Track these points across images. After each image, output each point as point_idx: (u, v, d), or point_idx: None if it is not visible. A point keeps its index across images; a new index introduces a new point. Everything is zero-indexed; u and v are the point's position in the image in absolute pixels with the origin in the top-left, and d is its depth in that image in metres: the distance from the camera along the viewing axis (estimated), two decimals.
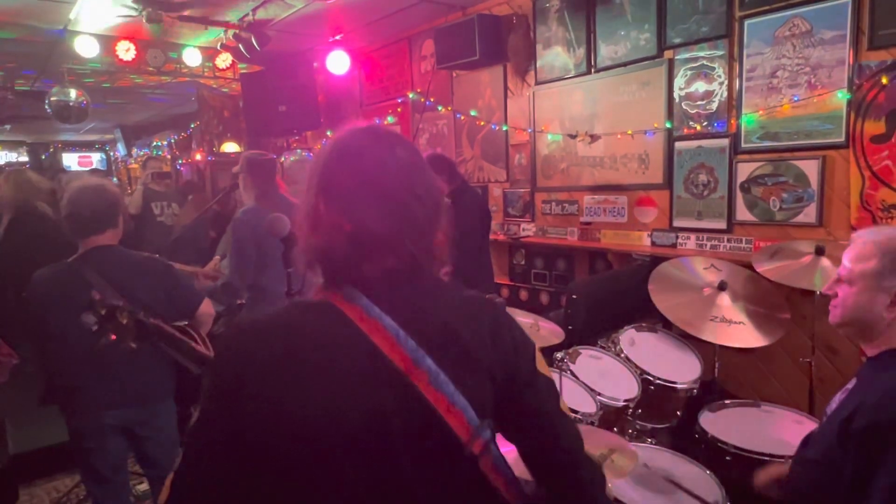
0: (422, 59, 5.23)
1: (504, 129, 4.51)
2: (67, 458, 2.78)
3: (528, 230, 4.46)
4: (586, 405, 2.22)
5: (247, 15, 4.57)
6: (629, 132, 3.64)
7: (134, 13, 4.19)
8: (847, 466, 1.30)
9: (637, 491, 1.87)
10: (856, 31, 2.70)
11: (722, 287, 2.62)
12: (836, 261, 2.00)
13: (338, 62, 5.17)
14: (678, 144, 3.45)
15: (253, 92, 5.46)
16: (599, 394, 2.27)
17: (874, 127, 2.69)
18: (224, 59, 5.39)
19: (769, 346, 2.53)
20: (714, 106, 3.26)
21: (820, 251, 2.50)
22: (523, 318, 2.10)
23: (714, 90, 3.25)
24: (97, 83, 6.60)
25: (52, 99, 5.24)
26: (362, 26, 5.09)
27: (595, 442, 1.75)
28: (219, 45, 5.08)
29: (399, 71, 5.51)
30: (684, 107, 3.39)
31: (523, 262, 4.52)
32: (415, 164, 1.01)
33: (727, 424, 2.15)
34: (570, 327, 2.88)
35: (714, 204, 3.32)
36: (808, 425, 2.12)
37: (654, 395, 2.41)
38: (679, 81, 3.40)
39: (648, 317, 2.84)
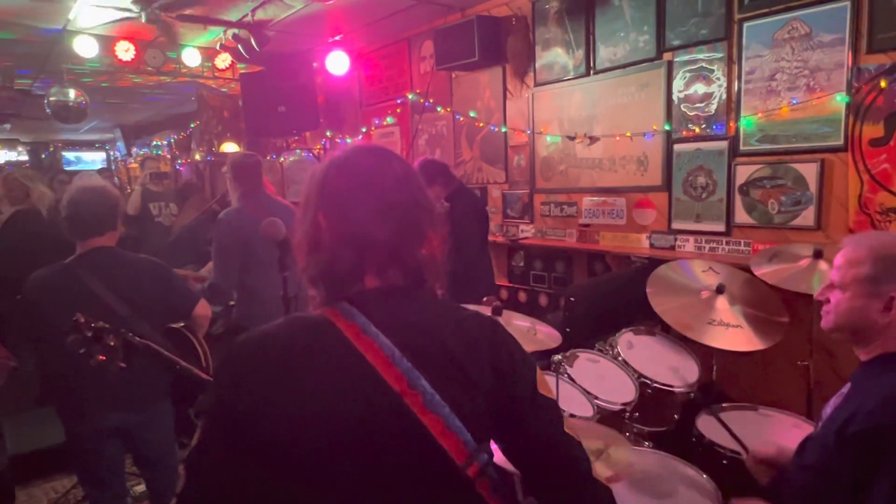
0: (421, 59, 5.23)
1: (503, 130, 4.51)
2: (65, 460, 2.78)
3: (526, 232, 4.45)
4: (583, 409, 2.22)
5: (246, 15, 4.57)
6: (628, 134, 3.63)
7: (133, 13, 4.18)
8: (845, 472, 1.29)
9: (634, 495, 1.86)
10: (855, 34, 2.69)
11: (720, 290, 2.62)
12: None
13: (337, 63, 5.17)
14: (677, 147, 3.45)
15: (252, 92, 5.46)
16: (596, 397, 2.27)
17: (873, 130, 2.69)
18: (223, 60, 5.39)
19: (767, 349, 2.52)
20: (713, 108, 3.25)
21: (818, 254, 2.50)
22: (520, 322, 2.10)
23: (713, 92, 3.24)
24: (96, 83, 6.60)
25: (51, 99, 5.24)
26: (362, 27, 5.08)
27: (590, 436, 1.74)
28: (218, 45, 5.07)
29: (398, 72, 5.51)
30: (683, 109, 3.39)
31: (522, 264, 4.52)
32: (411, 176, 1.03)
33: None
34: (568, 330, 2.88)
35: (713, 206, 3.31)
36: (806, 429, 2.11)
37: (652, 399, 2.41)
38: (678, 84, 3.40)
39: (647, 319, 2.84)
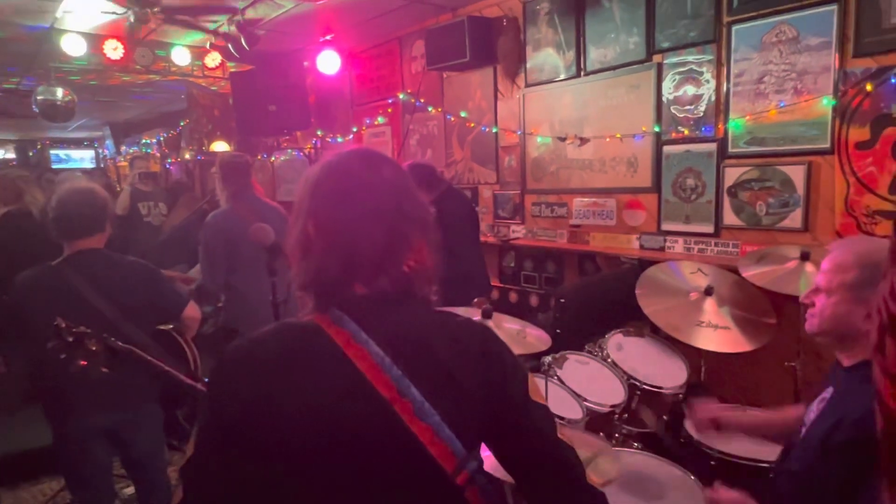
0: (412, 59, 5.22)
1: (494, 131, 4.51)
2: (53, 462, 2.77)
3: (517, 232, 4.46)
4: (572, 411, 2.23)
5: (236, 14, 4.55)
6: (618, 135, 3.65)
7: (120, 12, 4.15)
8: (832, 480, 1.29)
9: (622, 496, 1.87)
10: (841, 38, 2.72)
11: (708, 292, 2.64)
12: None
13: (328, 62, 5.14)
14: (666, 148, 3.47)
15: (243, 91, 5.43)
16: (586, 399, 2.28)
17: (859, 133, 2.71)
18: (213, 59, 5.35)
19: (755, 350, 2.55)
20: (702, 110, 3.27)
21: (805, 257, 2.52)
22: (510, 325, 2.10)
23: (702, 95, 3.26)
24: (84, 81, 6.54)
25: (38, 98, 5.19)
26: (352, 26, 5.07)
27: (579, 445, 1.75)
28: (208, 43, 5.04)
29: (389, 71, 5.50)
30: (672, 111, 3.41)
31: (513, 264, 4.53)
32: (402, 183, 1.02)
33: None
34: (558, 332, 2.89)
35: (702, 208, 3.33)
36: None
37: (641, 400, 2.42)
38: (667, 86, 3.42)
39: (636, 320, 2.85)
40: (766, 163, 3.05)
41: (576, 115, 3.93)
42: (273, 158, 7.21)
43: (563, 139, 3.97)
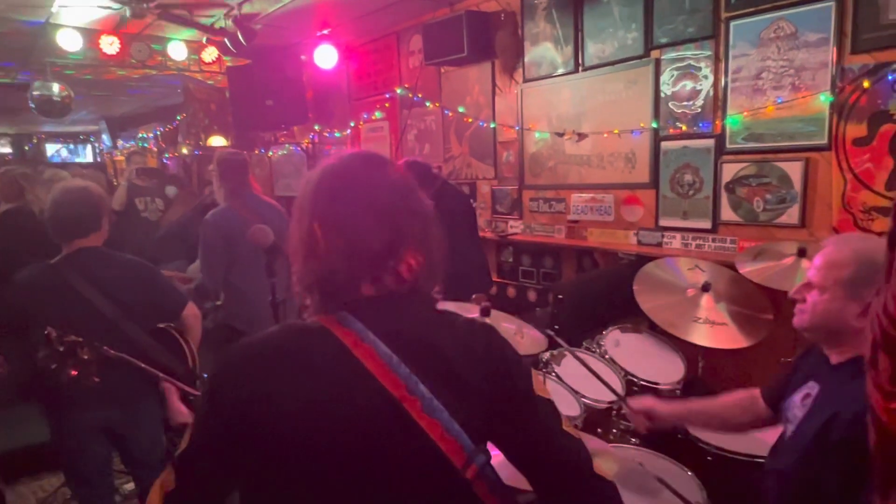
0: (410, 54, 5.20)
1: (492, 126, 4.51)
2: (52, 457, 2.77)
3: (515, 228, 4.47)
4: (571, 408, 2.24)
5: (232, 9, 4.52)
6: (616, 131, 3.65)
7: (116, 7, 4.13)
8: (832, 480, 1.29)
9: (620, 491, 1.89)
10: (839, 34, 2.72)
11: (706, 288, 2.65)
12: None
13: (325, 56, 5.14)
14: (664, 144, 3.47)
15: (239, 86, 5.41)
16: (584, 396, 2.30)
17: (856, 130, 2.72)
18: (210, 53, 5.33)
19: (752, 345, 2.56)
20: (700, 106, 3.27)
21: (802, 253, 2.53)
22: (507, 325, 2.11)
23: (700, 90, 3.26)
24: (80, 75, 6.51)
25: (34, 93, 5.17)
26: (350, 21, 5.05)
27: None
28: (204, 38, 5.02)
29: (387, 66, 5.48)
30: (670, 106, 3.41)
31: (511, 260, 4.54)
32: (405, 181, 1.04)
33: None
34: (555, 327, 2.90)
35: (699, 204, 3.34)
36: None
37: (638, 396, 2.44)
38: (665, 81, 3.41)
39: (634, 317, 2.86)
40: (763, 159, 3.05)
41: (574, 110, 3.92)
42: (270, 153, 7.20)
43: (560, 135, 3.97)
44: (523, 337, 2.10)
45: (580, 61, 3.85)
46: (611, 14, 3.62)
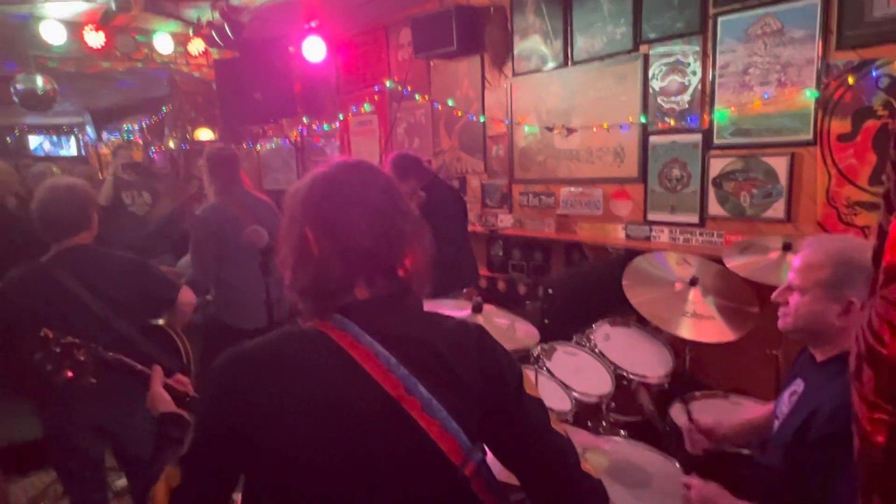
0: (399, 47, 5.18)
1: (482, 120, 4.51)
2: (44, 454, 2.76)
3: (505, 221, 4.49)
4: (561, 403, 2.28)
5: (219, 1, 4.48)
6: (605, 126, 3.67)
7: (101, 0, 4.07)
8: (813, 475, 1.32)
9: (608, 484, 1.92)
10: (824, 31, 2.75)
11: (693, 283, 2.68)
12: None
13: (314, 49, 5.09)
14: (652, 139, 3.50)
15: (227, 79, 5.36)
16: (574, 390, 2.33)
17: (840, 126, 2.76)
18: (196, 46, 5.27)
19: (738, 338, 2.60)
20: (687, 101, 3.30)
21: (787, 247, 2.57)
22: (499, 320, 2.13)
23: (688, 86, 3.29)
24: (65, 68, 6.41)
25: (17, 86, 5.09)
26: (338, 13, 5.01)
27: None
28: (191, 30, 4.96)
29: (376, 59, 5.46)
30: (659, 101, 3.44)
31: (501, 254, 4.56)
32: (393, 187, 1.06)
33: (697, 416, 2.21)
34: (546, 322, 2.93)
35: (687, 198, 3.38)
36: None
37: (627, 390, 2.48)
38: (654, 76, 3.44)
39: (623, 310, 2.90)
40: (750, 154, 3.09)
41: (563, 104, 3.94)
42: (258, 147, 7.15)
43: (550, 129, 3.99)
44: (515, 331, 2.12)
45: (569, 56, 3.87)
46: (600, 9, 3.64)
